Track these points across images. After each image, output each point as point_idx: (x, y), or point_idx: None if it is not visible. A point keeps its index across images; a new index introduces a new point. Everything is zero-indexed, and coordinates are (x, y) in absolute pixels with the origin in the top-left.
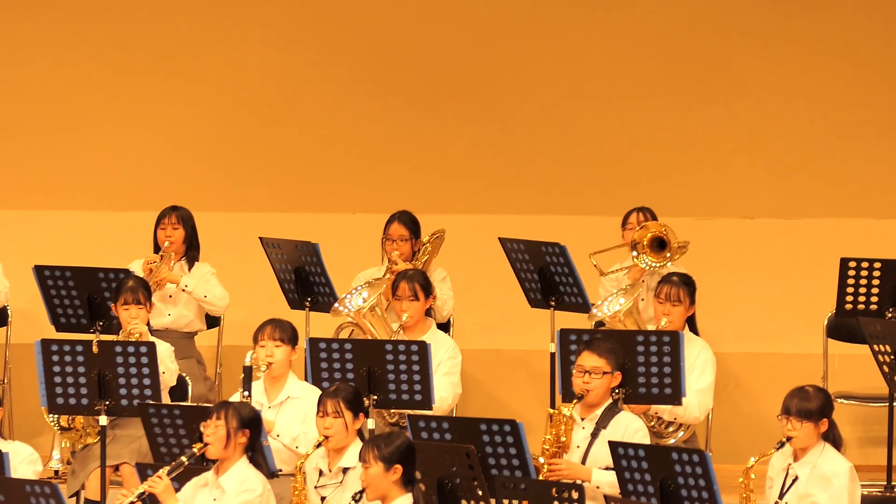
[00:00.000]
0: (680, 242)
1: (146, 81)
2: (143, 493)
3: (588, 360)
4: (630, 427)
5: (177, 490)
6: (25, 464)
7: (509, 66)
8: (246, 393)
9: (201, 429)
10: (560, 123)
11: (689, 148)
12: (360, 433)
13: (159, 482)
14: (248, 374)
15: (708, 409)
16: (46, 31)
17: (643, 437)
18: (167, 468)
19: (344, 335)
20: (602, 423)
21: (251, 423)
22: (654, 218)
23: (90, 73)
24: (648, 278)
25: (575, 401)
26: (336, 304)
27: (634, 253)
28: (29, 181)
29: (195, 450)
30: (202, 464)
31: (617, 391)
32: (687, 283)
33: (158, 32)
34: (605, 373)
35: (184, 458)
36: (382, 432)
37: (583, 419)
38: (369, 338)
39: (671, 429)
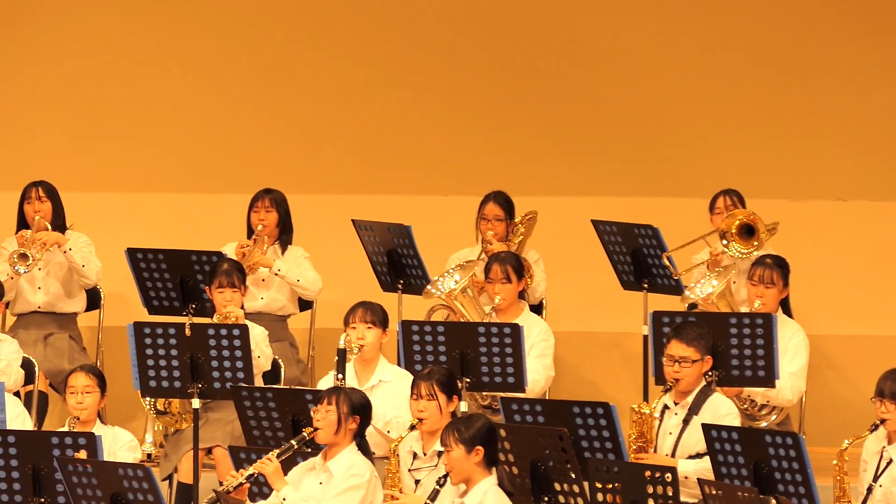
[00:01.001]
0: (769, 225)
1: (241, 63)
2: (252, 475)
3: (676, 349)
4: (720, 410)
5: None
6: (125, 450)
7: (602, 48)
8: (340, 376)
9: (312, 413)
10: (652, 105)
11: (781, 129)
12: (453, 416)
13: (269, 464)
14: (341, 357)
15: (801, 392)
16: (140, 14)
17: (734, 420)
18: (276, 451)
19: (437, 318)
20: (694, 408)
21: (361, 410)
22: (741, 200)
23: (184, 55)
24: (740, 261)
25: (665, 389)
26: (428, 287)
27: (724, 241)
28: (122, 164)
29: (305, 434)
30: (309, 449)
31: (710, 374)
32: (780, 266)
33: (253, 16)
34: (694, 361)
35: (293, 442)
36: (462, 415)
37: (676, 404)
38: (462, 320)
39: (764, 412)
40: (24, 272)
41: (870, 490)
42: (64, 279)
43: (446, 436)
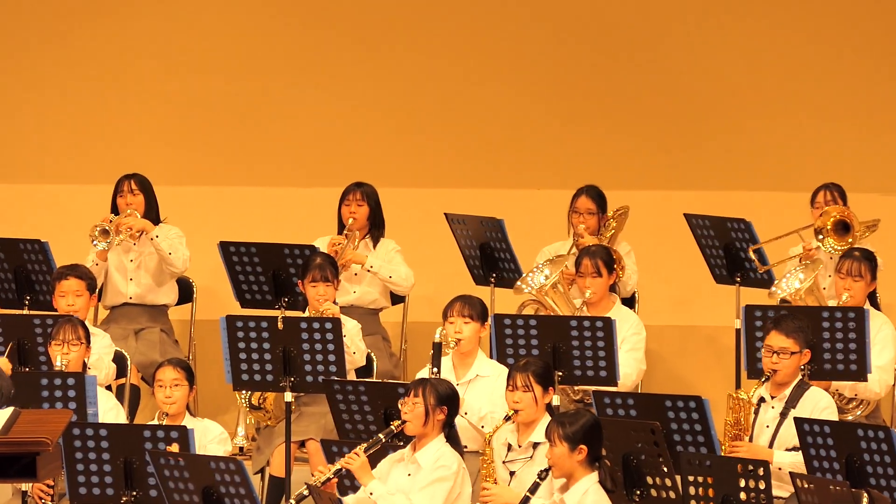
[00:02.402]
0: (867, 222)
1: (333, 58)
2: (339, 470)
3: (776, 340)
4: (819, 404)
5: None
6: (216, 443)
7: (694, 43)
8: (435, 370)
9: (399, 406)
10: (747, 99)
11: (881, 122)
12: (549, 408)
13: (356, 459)
14: (437, 351)
15: (888, 386)
16: (234, 8)
17: (831, 415)
18: (364, 445)
19: (527, 313)
20: (791, 402)
21: (449, 401)
22: (843, 195)
23: (278, 50)
24: (828, 258)
25: (763, 380)
26: (518, 283)
27: (820, 236)
28: (215, 158)
29: (393, 427)
30: (399, 441)
31: (803, 367)
32: (868, 259)
33: (346, 11)
34: (793, 353)
35: (381, 436)
36: (568, 410)
37: (773, 397)
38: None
39: (851, 405)
40: (102, 248)
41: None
42: (155, 270)
43: (551, 431)
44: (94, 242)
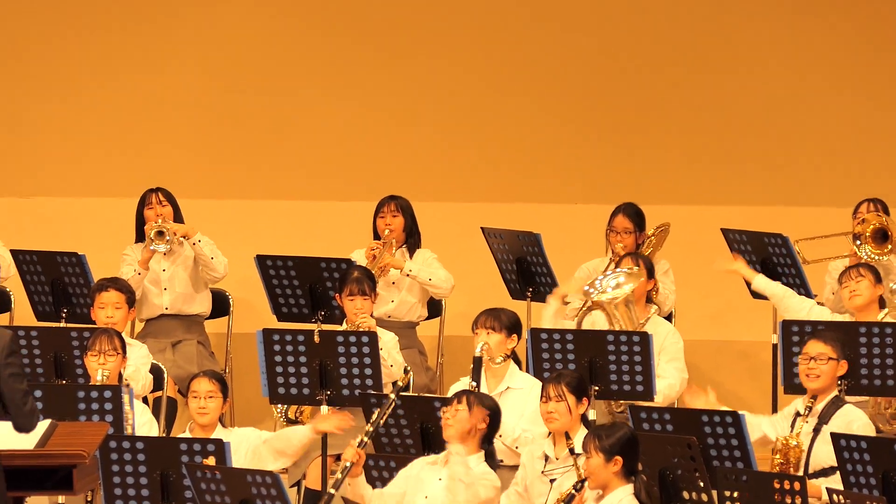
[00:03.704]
0: None
1: (368, 71)
2: (346, 468)
3: (813, 347)
4: (854, 422)
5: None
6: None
7: (733, 57)
8: (474, 383)
9: (441, 414)
10: (784, 113)
11: None
12: (584, 420)
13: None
14: (477, 365)
15: None
16: (267, 22)
17: (866, 432)
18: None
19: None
20: (824, 418)
21: (492, 413)
22: (886, 209)
23: (311, 64)
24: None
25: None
26: (587, 287)
27: (858, 242)
28: (251, 171)
29: (400, 382)
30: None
31: (840, 383)
32: (867, 265)
33: (381, 23)
34: (830, 358)
35: (392, 395)
36: (605, 423)
37: (808, 410)
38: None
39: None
40: (163, 250)
41: None
42: (189, 278)
43: (587, 442)
44: (153, 247)
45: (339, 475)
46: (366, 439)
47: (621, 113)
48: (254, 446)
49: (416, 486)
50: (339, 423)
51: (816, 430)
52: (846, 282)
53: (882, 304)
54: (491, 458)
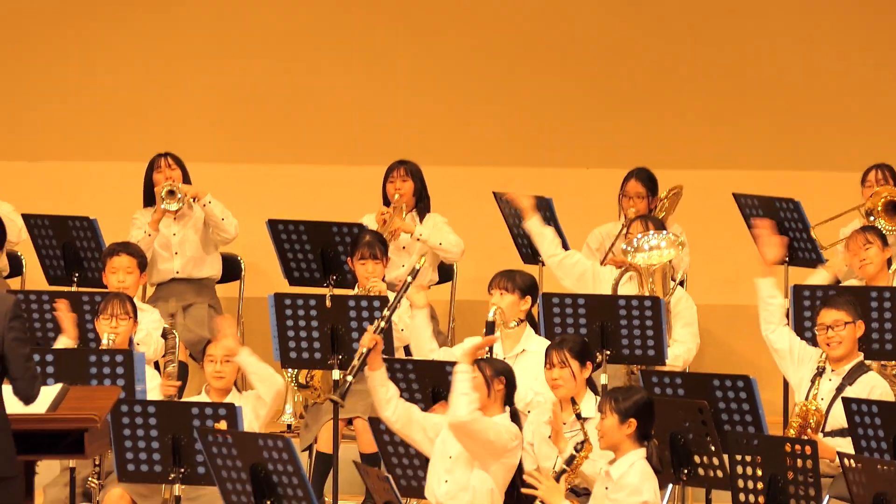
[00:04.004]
0: None
1: (380, 36)
2: (364, 353)
3: (827, 315)
4: (875, 389)
5: None
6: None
7: (743, 22)
8: (487, 350)
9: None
10: (794, 78)
11: None
12: (591, 384)
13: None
14: (489, 330)
15: None
16: None
17: (887, 399)
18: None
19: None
20: (849, 378)
21: (506, 373)
22: (894, 174)
23: (323, 28)
24: None
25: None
26: (625, 245)
27: (872, 218)
28: (262, 136)
29: (417, 265)
30: None
31: (861, 344)
32: (873, 229)
33: None
34: (846, 323)
35: (409, 277)
36: (623, 385)
37: (833, 370)
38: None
39: None
40: (174, 209)
41: None
42: (200, 242)
43: (603, 403)
44: (164, 205)
45: (356, 362)
46: (383, 324)
47: (633, 78)
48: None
49: (441, 444)
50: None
51: (839, 390)
52: (855, 250)
53: (890, 263)
54: (515, 418)
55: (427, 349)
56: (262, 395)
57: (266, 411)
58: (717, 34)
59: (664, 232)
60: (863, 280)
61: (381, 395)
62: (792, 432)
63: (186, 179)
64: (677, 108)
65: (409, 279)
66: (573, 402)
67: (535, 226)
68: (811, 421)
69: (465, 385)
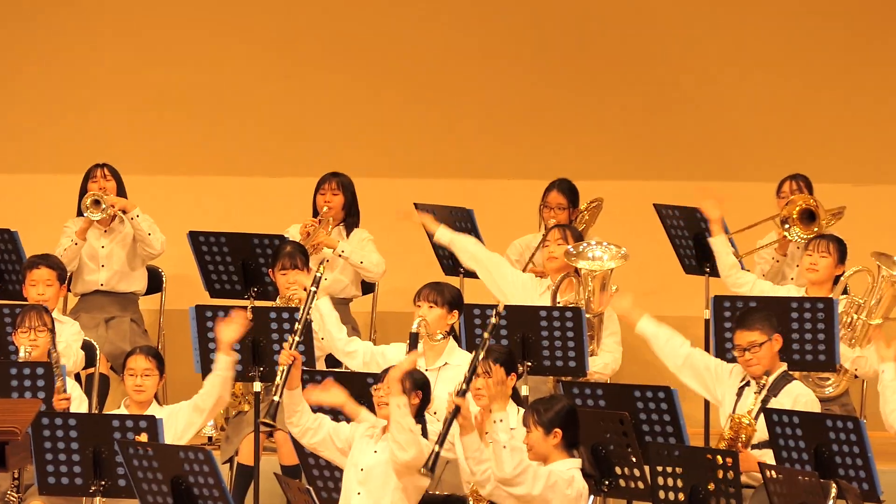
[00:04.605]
0: (833, 210)
1: (305, 48)
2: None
3: (741, 337)
4: (800, 398)
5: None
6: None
7: (663, 34)
8: None
9: (373, 392)
10: (714, 90)
11: (844, 114)
12: (515, 395)
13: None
14: (413, 341)
15: None
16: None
17: (812, 409)
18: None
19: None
20: (773, 390)
21: (423, 387)
22: (809, 186)
23: (249, 38)
24: (797, 250)
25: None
26: (571, 249)
27: (787, 226)
28: (186, 147)
29: (319, 273)
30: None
31: (784, 356)
32: (839, 241)
33: (317, 2)
34: (761, 343)
35: (312, 287)
36: (545, 396)
37: (756, 381)
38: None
39: (827, 382)
40: (97, 218)
41: None
42: (127, 256)
43: (526, 416)
44: (86, 214)
45: (278, 380)
46: (297, 338)
47: (554, 89)
48: (187, 417)
49: (352, 454)
50: (237, 321)
51: (765, 402)
52: (812, 251)
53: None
54: (424, 433)
55: (337, 338)
56: (202, 405)
57: (203, 420)
58: (637, 46)
59: (611, 245)
60: (802, 287)
61: (294, 419)
62: (723, 444)
63: (122, 191)
64: (598, 120)
65: (314, 288)
66: None
67: (445, 235)
68: (742, 436)
69: (407, 420)
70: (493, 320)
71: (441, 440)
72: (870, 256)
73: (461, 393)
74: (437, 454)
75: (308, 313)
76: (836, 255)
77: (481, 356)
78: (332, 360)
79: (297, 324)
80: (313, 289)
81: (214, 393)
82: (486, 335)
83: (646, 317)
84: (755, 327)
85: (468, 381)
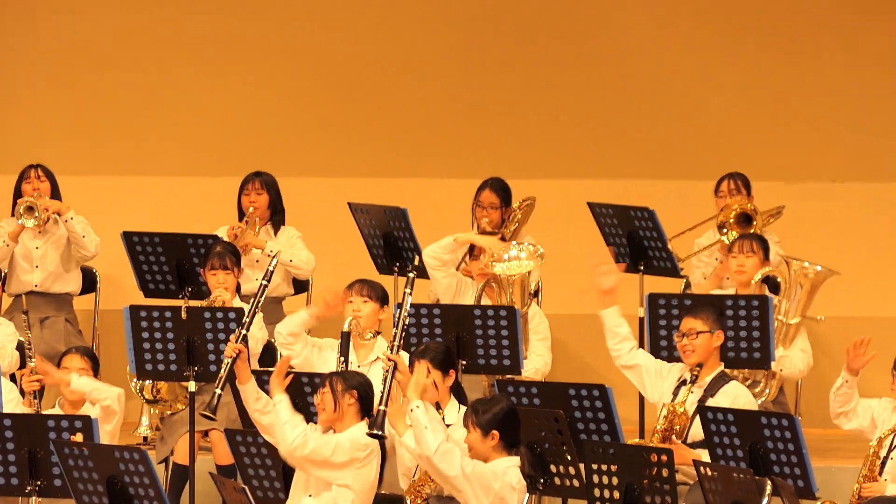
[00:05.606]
0: (772, 210)
1: (233, 48)
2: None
3: (685, 323)
4: (738, 398)
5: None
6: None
7: (598, 32)
8: (342, 358)
9: (314, 400)
10: (650, 88)
11: (779, 111)
12: (457, 392)
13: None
14: (345, 340)
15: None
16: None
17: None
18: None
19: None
20: (710, 390)
21: (360, 387)
22: (746, 183)
23: (178, 40)
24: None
25: (688, 385)
26: (491, 256)
27: (724, 230)
28: (117, 147)
29: (265, 282)
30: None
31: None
32: (761, 239)
33: (244, 3)
34: (700, 332)
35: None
36: (485, 397)
37: (694, 381)
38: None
39: (757, 388)
40: (30, 225)
41: (884, 462)
42: (61, 257)
43: (466, 417)
44: (20, 221)
45: (222, 373)
46: (244, 331)
47: (486, 87)
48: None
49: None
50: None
51: (702, 401)
52: (736, 254)
53: (774, 288)
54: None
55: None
56: (112, 405)
57: (119, 417)
58: (572, 44)
59: (525, 243)
60: (733, 286)
61: (257, 407)
62: (657, 436)
63: (56, 192)
64: (531, 118)
65: (265, 282)
66: (438, 407)
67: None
68: (676, 426)
69: (285, 412)
70: (411, 275)
71: (385, 400)
72: (777, 256)
73: (395, 350)
74: (384, 413)
75: (258, 307)
76: (760, 254)
77: (405, 314)
78: (266, 361)
79: (245, 317)
80: (264, 283)
81: None
82: (406, 290)
83: (616, 308)
84: (700, 316)
85: (399, 336)
